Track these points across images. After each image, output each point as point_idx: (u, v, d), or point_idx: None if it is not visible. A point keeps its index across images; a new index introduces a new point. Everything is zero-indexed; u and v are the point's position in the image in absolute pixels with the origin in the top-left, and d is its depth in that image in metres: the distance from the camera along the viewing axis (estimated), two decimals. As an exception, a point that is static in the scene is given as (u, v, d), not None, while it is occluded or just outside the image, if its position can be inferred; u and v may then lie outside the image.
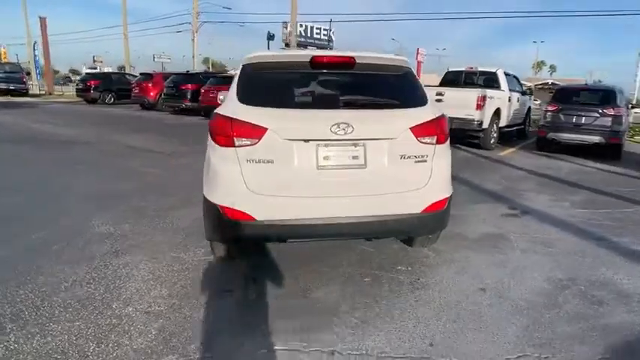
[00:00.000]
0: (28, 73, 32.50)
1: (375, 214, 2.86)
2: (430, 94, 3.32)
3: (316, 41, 38.86)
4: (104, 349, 2.29)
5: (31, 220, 4.31)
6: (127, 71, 31.94)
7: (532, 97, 14.56)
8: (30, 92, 28.56)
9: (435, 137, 2.99)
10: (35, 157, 7.92)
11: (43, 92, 31.84)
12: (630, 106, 13.38)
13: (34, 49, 33.34)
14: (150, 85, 20.27)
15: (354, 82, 3.20)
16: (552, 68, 71.65)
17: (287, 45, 35.12)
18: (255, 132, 2.71)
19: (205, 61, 65.19)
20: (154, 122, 15.01)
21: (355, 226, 2.86)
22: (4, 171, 6.79)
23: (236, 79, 3.10)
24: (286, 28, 35.76)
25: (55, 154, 8.14)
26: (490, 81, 11.19)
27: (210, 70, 54.24)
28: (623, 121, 9.72)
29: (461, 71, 12.06)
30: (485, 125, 10.00)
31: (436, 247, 3.79)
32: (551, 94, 11.59)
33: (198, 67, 36.32)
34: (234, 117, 2.77)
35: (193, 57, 36.05)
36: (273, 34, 33.51)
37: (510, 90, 11.23)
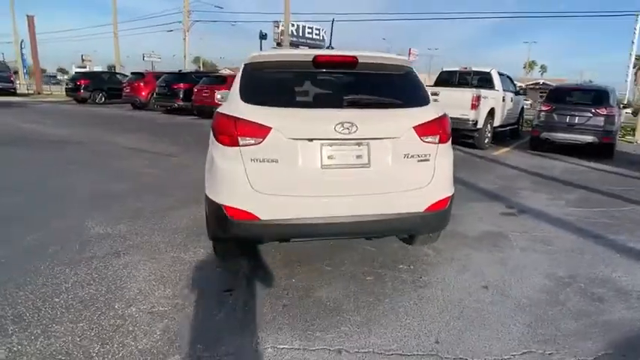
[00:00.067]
0: (16, 72, 32.09)
1: (379, 213, 2.87)
2: None
3: (308, 41, 38.72)
4: (109, 350, 2.27)
5: (27, 221, 4.25)
6: (117, 70, 31.64)
7: (525, 97, 14.70)
8: (18, 92, 28.19)
9: (438, 137, 3.01)
10: (27, 157, 7.82)
11: (32, 92, 31.46)
12: (622, 106, 13.56)
13: (22, 48, 32.91)
14: (141, 84, 20.13)
15: (357, 82, 3.21)
16: (543, 68, 72.40)
17: (279, 44, 35.00)
18: (260, 131, 2.70)
19: (196, 60, 64.81)
20: (147, 122, 14.89)
21: (359, 225, 2.87)
22: (-4, 171, 6.70)
23: (238, 79, 3.09)
24: (277, 27, 35.63)
25: (47, 155, 8.04)
26: (484, 81, 11.27)
27: (201, 69, 53.90)
28: (616, 120, 9.85)
29: (455, 71, 12.13)
30: (479, 125, 10.07)
31: (436, 245, 3.81)
32: (542, 94, 11.71)
33: (188, 67, 36.04)
34: (239, 116, 2.76)
35: (185, 56, 35.82)
36: (266, 34, 33.36)
37: (504, 90, 11.32)
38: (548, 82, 48.95)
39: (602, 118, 9.51)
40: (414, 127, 2.91)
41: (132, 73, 22.69)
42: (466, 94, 9.90)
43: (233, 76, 16.66)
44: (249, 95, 2.90)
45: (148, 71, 24.76)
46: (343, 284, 3.10)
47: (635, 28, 26.92)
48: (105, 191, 5.44)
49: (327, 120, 2.77)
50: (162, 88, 18.46)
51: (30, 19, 30.73)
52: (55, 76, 62.92)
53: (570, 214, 5.08)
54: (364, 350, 2.33)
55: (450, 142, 3.18)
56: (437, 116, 3.03)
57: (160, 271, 3.23)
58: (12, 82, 26.96)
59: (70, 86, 24.21)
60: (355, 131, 2.76)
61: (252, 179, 2.73)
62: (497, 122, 11.07)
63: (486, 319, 2.69)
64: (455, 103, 9.73)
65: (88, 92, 22.79)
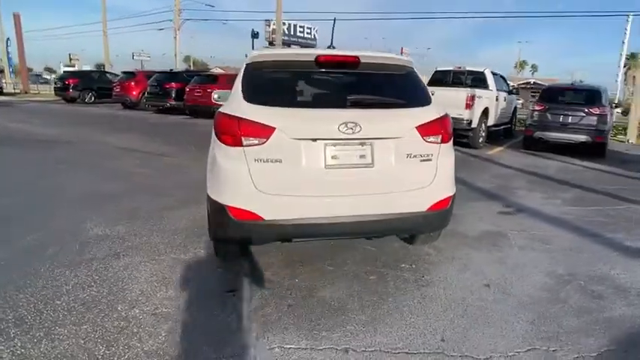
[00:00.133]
0: (1, 71, 31.64)
1: (382, 213, 2.88)
2: None
3: (300, 40, 38.63)
4: (115, 352, 2.25)
5: (23, 222, 4.21)
6: (106, 69, 31.30)
7: (518, 96, 14.83)
8: (4, 91, 27.80)
9: (440, 136, 3.03)
10: (18, 157, 7.73)
11: (18, 91, 31.03)
12: (614, 105, 13.72)
13: (8, 46, 32.44)
14: (132, 83, 19.99)
15: (359, 82, 3.21)
16: (534, 68, 72.96)
17: (270, 43, 34.88)
18: (264, 131, 2.70)
19: (186, 59, 64.30)
20: (138, 121, 14.79)
21: (362, 224, 2.87)
22: (-11, 173, 6.61)
23: (240, 78, 3.08)
24: (269, 26, 35.50)
25: (38, 155, 7.95)
26: (478, 80, 11.33)
27: (192, 68, 53.51)
28: (608, 120, 9.98)
29: (449, 71, 12.17)
30: (474, 124, 10.14)
31: (437, 244, 3.83)
32: (533, 94, 11.85)
33: (179, 66, 35.73)
34: (242, 116, 2.76)
35: (175, 55, 35.49)
36: (257, 32, 33.18)
37: (498, 89, 11.40)
38: (539, 82, 49.30)
39: (595, 118, 9.62)
40: (416, 127, 2.93)
41: (122, 72, 22.51)
42: (460, 94, 9.96)
43: (225, 75, 16.60)
44: (252, 95, 2.89)
45: (139, 70, 24.56)
46: (346, 284, 3.10)
47: (625, 29, 27.30)
48: (99, 192, 5.39)
49: (330, 120, 2.77)
50: (154, 87, 18.33)
51: (16, 18, 30.32)
52: (40, 75, 61.88)
53: (567, 212, 5.13)
54: (371, 349, 2.34)
55: (451, 141, 3.20)
56: (439, 116, 3.05)
57: (161, 273, 3.21)
58: (-1, 81, 26.62)
59: (58, 85, 23.92)
60: (359, 131, 2.76)
61: (255, 179, 2.73)
62: (491, 122, 11.16)
63: (490, 317, 2.71)
64: (449, 102, 9.76)
65: (77, 92, 22.52)
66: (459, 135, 10.28)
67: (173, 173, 6.68)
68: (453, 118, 10.92)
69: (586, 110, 9.73)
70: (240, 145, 2.73)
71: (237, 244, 3.26)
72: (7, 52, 32.45)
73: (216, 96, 4.09)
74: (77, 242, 3.70)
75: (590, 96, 10.18)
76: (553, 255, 3.77)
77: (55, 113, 17.02)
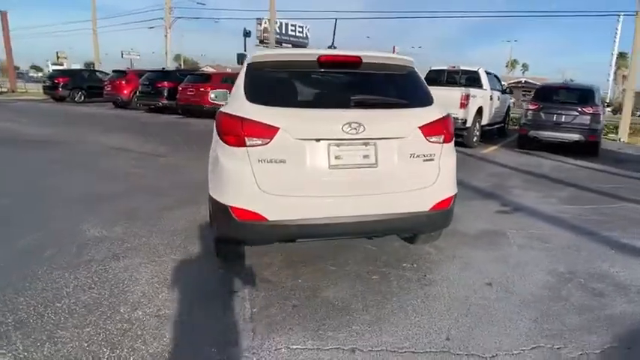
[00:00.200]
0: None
1: (386, 213, 2.88)
2: None
3: (291, 38, 38.51)
4: (119, 355, 2.23)
5: (18, 223, 4.16)
6: (96, 68, 30.93)
7: (511, 95, 14.93)
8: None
9: (442, 136, 3.04)
10: (8, 158, 7.63)
11: (5, 90, 30.54)
12: (606, 104, 13.89)
13: (-6, 44, 31.95)
14: (123, 82, 19.77)
15: (361, 82, 3.21)
16: (525, 67, 73.22)
17: (261, 42, 34.73)
18: (268, 132, 2.69)
19: (177, 57, 63.67)
20: (130, 121, 14.65)
21: (366, 224, 2.87)
22: (-19, 173, 6.52)
23: (242, 78, 3.06)
24: (260, 24, 35.34)
25: (30, 155, 7.86)
26: (472, 80, 11.38)
27: (182, 66, 53.07)
28: (601, 119, 10.09)
29: (443, 70, 12.21)
30: (468, 124, 10.20)
31: (437, 244, 3.84)
32: (524, 93, 11.94)
33: (170, 64, 35.38)
34: (245, 116, 2.74)
35: (166, 54, 35.03)
36: (250, 31, 32.96)
37: (491, 89, 11.48)
38: (530, 81, 49.68)
39: (588, 117, 9.72)
40: (419, 127, 2.93)
41: (113, 71, 22.27)
42: (455, 93, 10.01)
43: (218, 74, 16.50)
44: (255, 95, 2.87)
45: (130, 69, 24.34)
46: (349, 284, 3.10)
47: (616, 29, 27.65)
48: (94, 192, 5.33)
49: (334, 120, 2.76)
50: (146, 86, 18.18)
51: (3, 15, 29.85)
52: (26, 73, 60.80)
53: (563, 211, 5.18)
54: (377, 349, 2.34)
55: (453, 141, 3.21)
56: (441, 116, 3.06)
57: (162, 274, 3.18)
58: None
59: (47, 84, 23.52)
60: (363, 131, 2.76)
61: (259, 180, 2.71)
62: (485, 121, 11.22)
63: (493, 315, 2.73)
64: (444, 101, 9.73)
65: (66, 90, 22.13)
66: (454, 134, 10.34)
67: (169, 173, 6.64)
68: (449, 117, 10.88)
69: (579, 109, 9.83)
70: (244, 145, 2.71)
71: (239, 244, 3.24)
72: (-6, 51, 32.01)
73: (213, 95, 4.07)
74: (75, 244, 3.66)
75: (584, 95, 10.28)
76: (552, 253, 3.80)
77: (45, 113, 16.82)
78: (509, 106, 14.05)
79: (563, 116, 9.92)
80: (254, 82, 2.97)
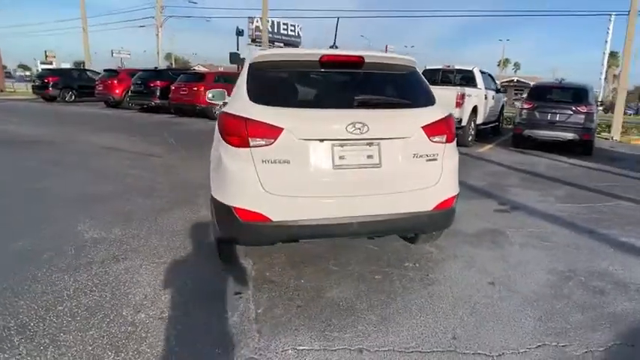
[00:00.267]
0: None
1: (389, 213, 2.88)
2: None
3: (283, 37, 38.44)
4: (124, 358, 2.20)
5: (14, 225, 4.10)
6: (86, 67, 30.57)
7: (505, 94, 15.02)
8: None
9: (445, 136, 3.04)
10: (1, 158, 7.53)
11: (-6, 89, 30.19)
12: (600, 103, 14.02)
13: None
14: (115, 82, 19.64)
15: (364, 82, 3.20)
16: (517, 66, 73.63)
17: (253, 41, 34.64)
18: (272, 132, 2.67)
19: (168, 56, 63.15)
20: (123, 121, 14.54)
21: (370, 224, 2.86)
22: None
23: (244, 78, 3.03)
24: (252, 23, 35.25)
25: (23, 155, 7.75)
26: (467, 79, 11.44)
27: (173, 66, 52.69)
28: (595, 118, 10.18)
29: (438, 69, 12.26)
30: (464, 123, 10.24)
31: (438, 243, 3.85)
32: (517, 92, 12.02)
33: (161, 63, 35.10)
34: (249, 117, 2.72)
35: (158, 53, 34.74)
36: (242, 30, 32.81)
37: (486, 88, 11.55)
38: (522, 80, 50.06)
39: (583, 116, 9.81)
40: (422, 127, 2.93)
41: (105, 71, 22.08)
42: (451, 93, 10.05)
43: (211, 73, 16.43)
44: (258, 95, 2.85)
45: (122, 68, 24.14)
46: (353, 284, 3.09)
47: (608, 28, 27.91)
48: (90, 193, 5.27)
49: (338, 120, 2.75)
50: (138, 85, 18.06)
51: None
52: (14, 72, 59.90)
53: (561, 210, 5.22)
54: (384, 349, 2.33)
55: (455, 141, 3.21)
56: (444, 116, 3.06)
57: (164, 276, 3.15)
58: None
59: (37, 84, 23.26)
60: (366, 131, 2.75)
61: (263, 180, 2.69)
62: (480, 120, 11.29)
63: (498, 314, 2.73)
64: (440, 101, 9.82)
65: (57, 90, 21.86)
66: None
67: (164, 174, 6.58)
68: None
69: (573, 108, 9.91)
70: (247, 146, 2.69)
71: (242, 245, 3.22)
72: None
73: (210, 95, 4.04)
74: (73, 246, 3.61)
75: (578, 94, 10.37)
76: (552, 252, 3.83)
77: (36, 112, 16.63)
78: (503, 105, 14.14)
79: (558, 115, 10.00)
80: (256, 82, 2.95)
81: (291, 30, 39.68)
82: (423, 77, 3.33)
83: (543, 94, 10.81)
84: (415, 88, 3.22)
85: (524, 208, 5.27)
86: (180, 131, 11.71)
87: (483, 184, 6.56)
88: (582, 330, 2.59)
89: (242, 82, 3.02)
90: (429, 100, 3.14)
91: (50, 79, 22.35)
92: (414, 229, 3.37)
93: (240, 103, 2.90)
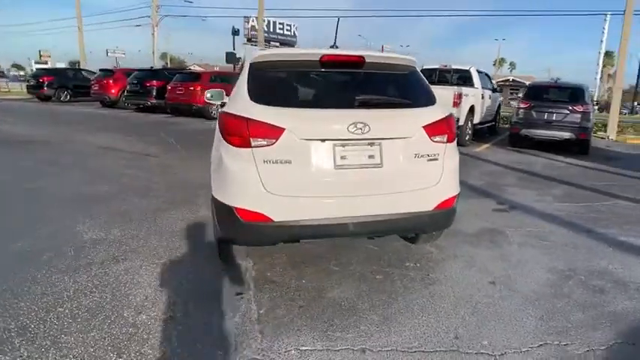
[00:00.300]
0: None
1: (390, 213, 2.88)
2: None
3: (279, 37, 38.32)
4: (127, 360, 2.19)
5: (11, 225, 4.07)
6: (82, 67, 30.38)
7: (501, 94, 15.07)
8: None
9: (446, 136, 3.04)
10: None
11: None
12: (595, 102, 14.09)
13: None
14: (111, 81, 19.55)
15: (365, 81, 3.20)
16: (512, 65, 73.94)
17: (249, 40, 34.54)
18: (273, 132, 2.66)
19: (163, 56, 62.86)
20: (119, 120, 14.45)
21: (371, 224, 2.86)
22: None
23: (244, 78, 3.02)
24: (248, 22, 35.15)
25: (19, 155, 7.71)
26: (463, 78, 11.46)
27: (169, 65, 52.45)
28: (591, 117, 10.22)
29: (435, 69, 12.27)
30: (461, 122, 10.26)
31: (438, 243, 3.85)
32: (512, 91, 12.05)
33: (156, 63, 34.93)
34: (250, 117, 2.71)
35: (153, 52, 34.55)
36: (238, 30, 32.72)
37: (483, 87, 11.57)
38: (517, 79, 50.25)
39: (579, 115, 9.85)
40: (423, 127, 2.93)
41: (100, 70, 21.93)
42: (448, 92, 10.07)
43: (207, 73, 16.41)
44: (259, 95, 2.84)
45: (118, 68, 24.02)
46: (354, 284, 3.09)
47: (603, 28, 28.06)
48: (88, 193, 5.24)
49: (339, 120, 2.75)
50: (134, 85, 17.97)
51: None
52: (4, 72, 59.37)
53: (559, 209, 5.24)
54: (387, 349, 2.33)
55: (455, 141, 3.22)
56: (444, 116, 3.06)
57: (164, 277, 3.14)
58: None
59: (32, 83, 23.06)
60: (368, 131, 2.75)
61: (264, 180, 2.69)
62: (477, 119, 11.32)
63: (499, 313, 2.74)
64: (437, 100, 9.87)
65: (52, 90, 21.67)
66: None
67: (161, 174, 6.55)
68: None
69: (570, 108, 9.96)
70: (249, 146, 2.68)
71: (244, 245, 3.21)
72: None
73: (208, 95, 4.03)
74: (72, 246, 3.59)
75: (574, 94, 10.42)
76: (551, 251, 3.84)
77: (31, 112, 16.53)
78: (499, 105, 14.19)
79: (555, 115, 10.04)
80: (257, 82, 2.94)
81: (287, 29, 39.56)
82: (424, 77, 3.34)
83: (540, 94, 10.85)
84: (416, 88, 3.22)
85: (522, 207, 5.29)
86: (177, 131, 11.67)
87: (481, 184, 6.58)
88: (583, 329, 2.60)
89: (242, 82, 3.00)
90: (429, 100, 3.15)
91: (45, 78, 22.18)
92: (415, 229, 3.37)
93: (241, 103, 2.89)
